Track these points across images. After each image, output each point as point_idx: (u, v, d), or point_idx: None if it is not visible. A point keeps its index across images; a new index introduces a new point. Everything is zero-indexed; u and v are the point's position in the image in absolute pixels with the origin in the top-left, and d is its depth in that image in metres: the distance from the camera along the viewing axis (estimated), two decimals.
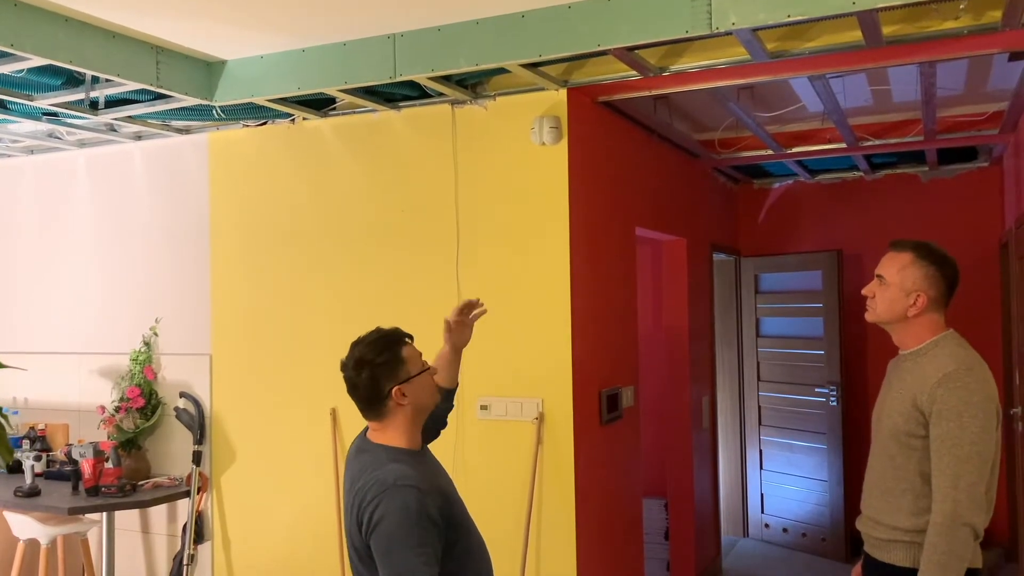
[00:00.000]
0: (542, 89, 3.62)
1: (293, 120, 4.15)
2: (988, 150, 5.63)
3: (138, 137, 4.52)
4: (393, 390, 2.14)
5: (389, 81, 3.41)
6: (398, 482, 2.04)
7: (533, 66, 3.37)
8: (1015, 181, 5.01)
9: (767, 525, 6.34)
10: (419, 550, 1.98)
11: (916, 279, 2.38)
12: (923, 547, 2.25)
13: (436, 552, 2.02)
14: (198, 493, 4.21)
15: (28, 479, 4.13)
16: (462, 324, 2.57)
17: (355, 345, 2.22)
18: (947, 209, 6.00)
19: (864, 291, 2.49)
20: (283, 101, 3.80)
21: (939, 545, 2.20)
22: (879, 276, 2.44)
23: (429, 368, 2.25)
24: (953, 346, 2.37)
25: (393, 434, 2.18)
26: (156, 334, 4.49)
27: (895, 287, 2.39)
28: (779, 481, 6.27)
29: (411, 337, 2.25)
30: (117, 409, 4.37)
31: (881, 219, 6.21)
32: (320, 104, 4.00)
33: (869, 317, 2.49)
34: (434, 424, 2.45)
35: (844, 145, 5.01)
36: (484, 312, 2.59)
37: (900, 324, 2.43)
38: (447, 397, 2.54)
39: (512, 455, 3.64)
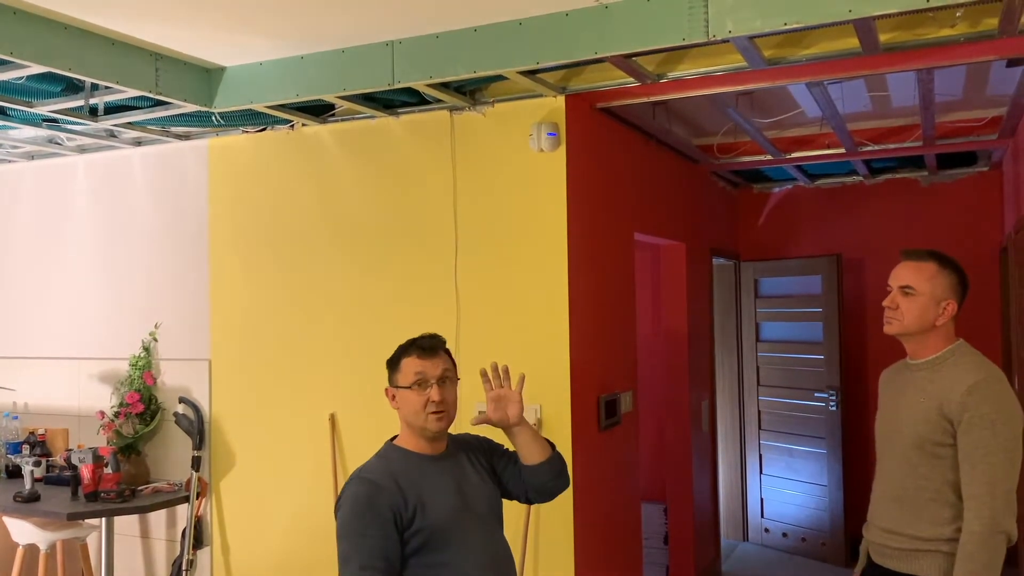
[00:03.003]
0: (540, 96, 3.62)
1: (292, 126, 4.16)
2: (987, 155, 5.64)
3: (138, 143, 4.53)
4: (386, 389, 2.30)
5: (388, 88, 3.42)
6: (361, 474, 2.21)
7: (531, 73, 3.37)
8: (1014, 186, 5.01)
9: (767, 529, 6.34)
10: (358, 540, 2.12)
11: (945, 288, 2.39)
12: (954, 556, 2.24)
13: (381, 546, 2.10)
14: (197, 498, 4.21)
15: (27, 484, 4.13)
16: (500, 401, 2.34)
17: None
18: (947, 214, 6.00)
19: (886, 303, 2.45)
20: (282, 107, 3.81)
21: (978, 555, 2.20)
22: (906, 287, 2.41)
23: (419, 389, 2.21)
24: (974, 355, 2.39)
25: (401, 431, 2.31)
26: (156, 339, 4.49)
27: (926, 296, 2.39)
28: (779, 485, 6.26)
29: (427, 348, 2.25)
30: (116, 414, 4.37)
31: (881, 224, 6.21)
32: (319, 110, 4.01)
33: (893, 329, 2.45)
34: (523, 489, 2.38)
35: (843, 150, 5.01)
36: (521, 379, 2.37)
37: (923, 334, 2.41)
38: (534, 472, 2.33)
39: None
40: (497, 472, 2.39)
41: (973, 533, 2.21)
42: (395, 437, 2.34)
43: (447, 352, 2.32)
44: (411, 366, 2.24)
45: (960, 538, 2.24)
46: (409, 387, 2.23)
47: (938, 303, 2.39)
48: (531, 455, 2.32)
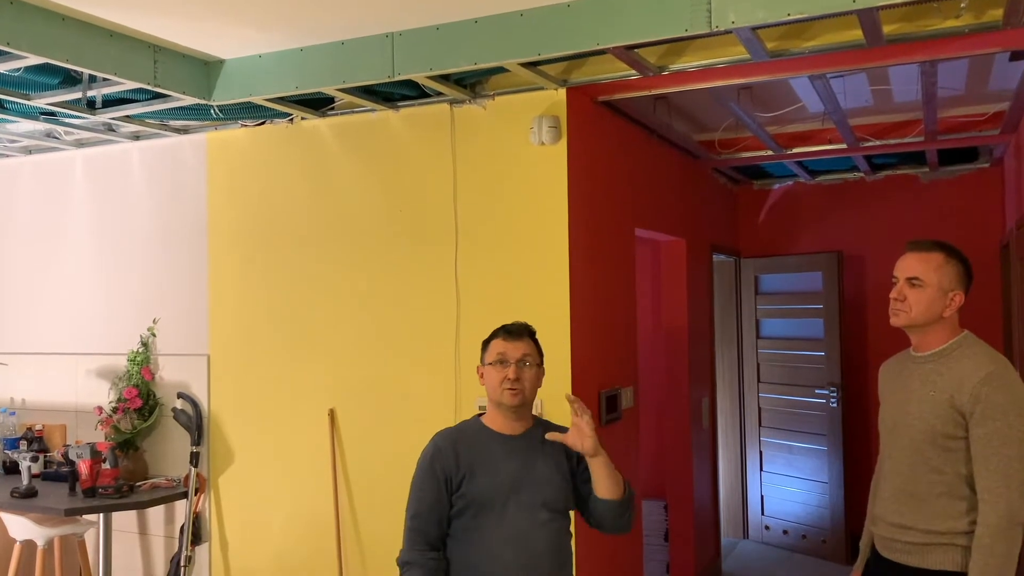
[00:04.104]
0: (541, 88, 3.60)
1: (291, 120, 4.14)
2: (989, 151, 5.62)
3: (136, 137, 4.51)
4: (477, 367, 2.52)
5: (387, 80, 3.39)
6: (435, 436, 2.49)
7: (532, 65, 3.35)
8: (1016, 182, 4.99)
9: (767, 527, 6.32)
10: (417, 492, 2.42)
11: (951, 278, 2.37)
12: (969, 550, 2.23)
13: (431, 501, 2.38)
14: (196, 494, 4.19)
15: (25, 480, 4.11)
16: (577, 430, 2.38)
17: None
18: (948, 210, 5.99)
19: (893, 294, 2.42)
20: (281, 100, 3.79)
21: (996, 548, 2.18)
22: (913, 278, 2.38)
23: (500, 367, 2.41)
24: (982, 346, 2.36)
25: (487, 407, 2.51)
26: (154, 334, 4.47)
27: (934, 287, 2.36)
28: (779, 483, 6.25)
29: (512, 332, 2.45)
30: (115, 410, 4.35)
31: (882, 220, 6.20)
32: (318, 104, 3.99)
33: (900, 321, 2.42)
34: (586, 508, 2.49)
35: (844, 146, 4.99)
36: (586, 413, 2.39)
37: (929, 325, 2.39)
38: (597, 503, 2.42)
39: None
40: (575, 476, 2.49)
41: (989, 526, 2.19)
42: (484, 413, 2.54)
43: (534, 340, 2.49)
44: (496, 347, 2.45)
45: (976, 531, 2.22)
46: (492, 364, 2.43)
47: (945, 294, 2.36)
48: (601, 489, 2.42)
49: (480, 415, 2.54)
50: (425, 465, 2.42)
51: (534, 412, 3.64)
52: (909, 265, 2.41)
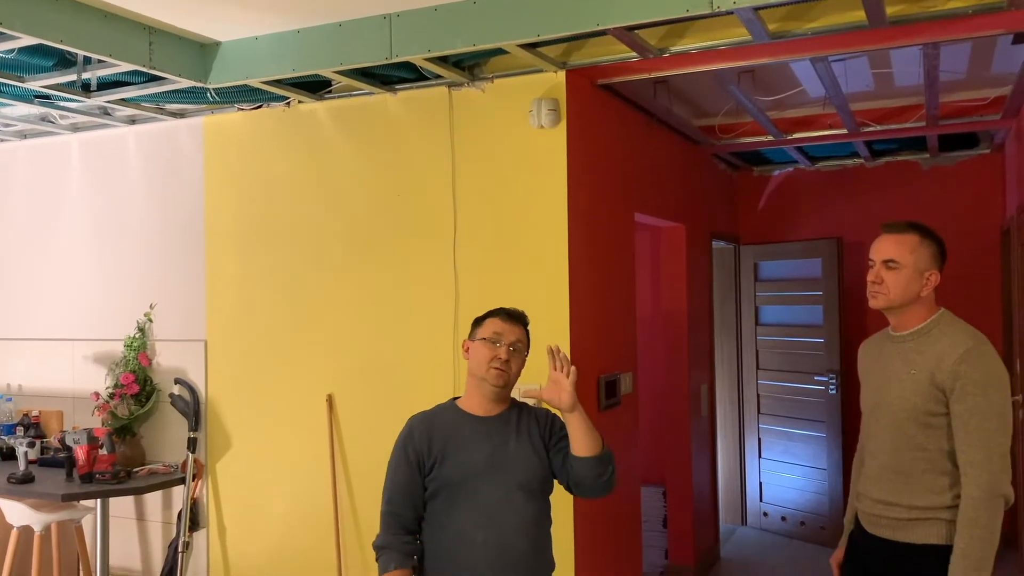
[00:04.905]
0: (540, 71, 3.57)
1: (288, 103, 4.10)
2: (990, 136, 5.60)
3: (132, 121, 4.48)
4: (463, 342, 2.52)
5: (385, 62, 3.36)
6: (411, 417, 2.52)
7: (531, 47, 3.32)
8: (1017, 168, 4.97)
9: (766, 513, 6.32)
10: (391, 474, 2.46)
11: (927, 258, 2.40)
12: (953, 523, 2.27)
13: (404, 484, 2.42)
14: (193, 480, 4.17)
15: (21, 466, 4.10)
16: (556, 385, 2.36)
17: None
18: (948, 196, 5.96)
19: (871, 277, 2.44)
20: (278, 83, 3.76)
21: (980, 519, 2.22)
22: (889, 260, 2.41)
23: (491, 344, 2.40)
24: (960, 323, 2.40)
25: (465, 388, 2.51)
26: (151, 320, 4.45)
27: (910, 268, 2.39)
28: (778, 469, 6.25)
29: (511, 315, 2.47)
30: (111, 395, 4.34)
31: (882, 207, 6.17)
32: (316, 87, 3.95)
33: (879, 303, 2.44)
34: (566, 476, 2.45)
35: (845, 131, 4.97)
36: (574, 372, 2.37)
37: (908, 306, 2.41)
38: (578, 463, 2.38)
39: None
40: (548, 450, 2.47)
41: (972, 498, 2.23)
42: (459, 397, 2.55)
43: (527, 330, 2.51)
44: (493, 325, 2.45)
45: (960, 504, 2.26)
46: (484, 340, 2.42)
47: (922, 274, 2.39)
48: (579, 447, 2.38)
49: (455, 398, 2.55)
50: (399, 448, 2.45)
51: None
52: (885, 247, 2.44)
